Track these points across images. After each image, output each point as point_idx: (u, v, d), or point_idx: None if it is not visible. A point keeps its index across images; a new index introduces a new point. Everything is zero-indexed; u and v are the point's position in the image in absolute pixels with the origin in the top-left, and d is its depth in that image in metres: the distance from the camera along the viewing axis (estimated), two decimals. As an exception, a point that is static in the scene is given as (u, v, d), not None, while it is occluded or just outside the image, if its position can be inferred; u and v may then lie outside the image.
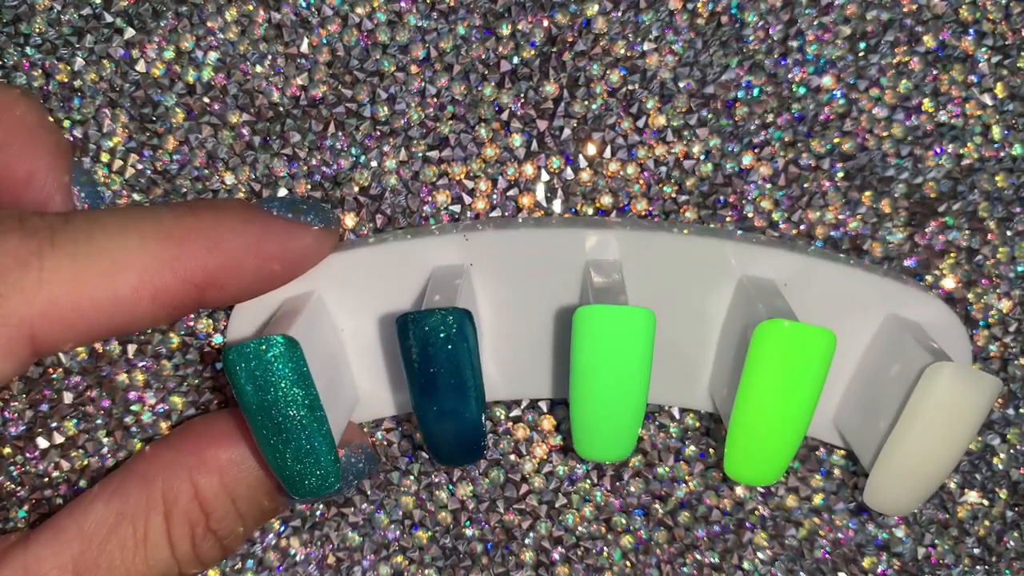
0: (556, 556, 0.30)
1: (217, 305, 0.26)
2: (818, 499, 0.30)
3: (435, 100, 0.29)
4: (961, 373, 0.23)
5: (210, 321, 0.29)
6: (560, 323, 0.28)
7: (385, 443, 0.30)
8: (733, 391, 0.24)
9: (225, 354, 0.23)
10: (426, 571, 0.30)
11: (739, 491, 0.30)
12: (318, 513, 0.30)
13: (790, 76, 0.29)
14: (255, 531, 0.28)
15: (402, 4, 0.28)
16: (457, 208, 0.29)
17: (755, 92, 0.29)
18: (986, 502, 0.30)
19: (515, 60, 0.29)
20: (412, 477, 0.30)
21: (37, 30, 0.28)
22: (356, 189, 0.29)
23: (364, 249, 0.27)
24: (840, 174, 0.29)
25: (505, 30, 0.28)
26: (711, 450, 0.30)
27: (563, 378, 0.28)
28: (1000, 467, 0.30)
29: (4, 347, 0.22)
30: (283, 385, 0.23)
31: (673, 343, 0.28)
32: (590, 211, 0.29)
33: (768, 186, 0.29)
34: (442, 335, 0.23)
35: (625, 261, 0.27)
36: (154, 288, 0.23)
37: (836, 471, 0.30)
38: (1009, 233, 0.29)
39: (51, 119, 0.27)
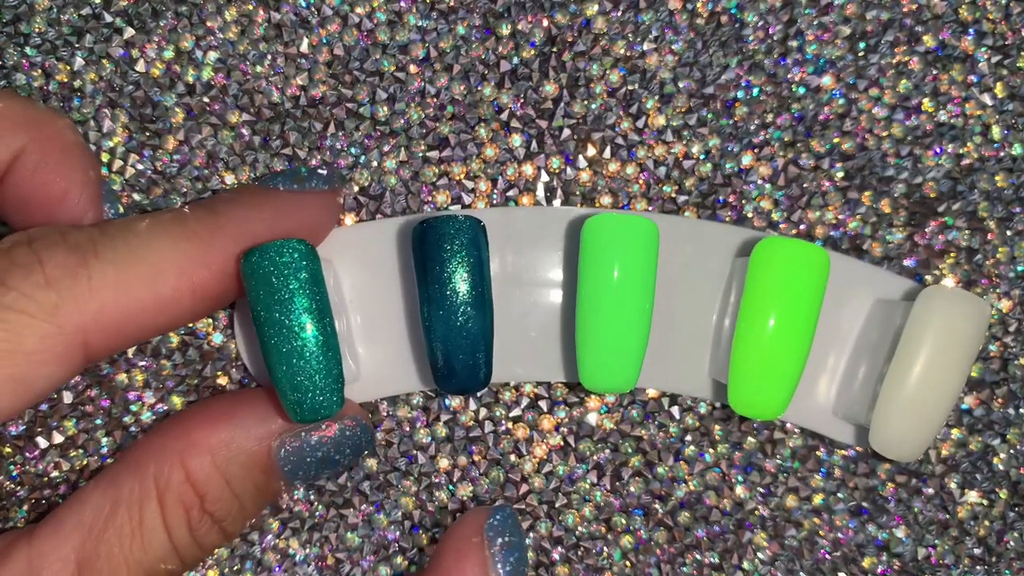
0: (556, 556, 0.30)
1: None
2: (818, 499, 0.30)
3: (435, 100, 0.29)
4: (957, 293, 0.24)
5: (209, 320, 0.29)
6: (565, 306, 0.28)
7: (384, 443, 0.30)
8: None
9: (245, 256, 0.24)
10: (426, 571, 0.30)
11: (739, 491, 0.30)
12: (318, 514, 0.30)
13: (790, 76, 0.29)
14: (256, 512, 0.27)
15: (402, 4, 0.28)
16: (457, 208, 0.29)
17: (755, 92, 0.29)
18: (986, 502, 0.30)
19: (515, 60, 0.29)
20: (412, 477, 0.30)
21: (37, 30, 0.28)
22: (356, 189, 0.29)
23: (377, 223, 0.28)
24: (840, 174, 0.29)
25: (505, 30, 0.28)
26: (711, 450, 0.30)
27: (567, 362, 0.28)
28: (1000, 467, 0.29)
29: (61, 354, 0.23)
30: (294, 286, 0.24)
31: (671, 329, 0.28)
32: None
33: (768, 186, 0.29)
34: (456, 241, 0.24)
35: None
36: (192, 284, 0.24)
37: (836, 471, 0.30)
38: (1009, 233, 0.29)
39: (84, 141, 0.27)
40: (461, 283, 0.24)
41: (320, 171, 0.27)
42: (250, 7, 0.28)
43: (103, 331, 0.23)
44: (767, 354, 0.24)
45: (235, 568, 0.29)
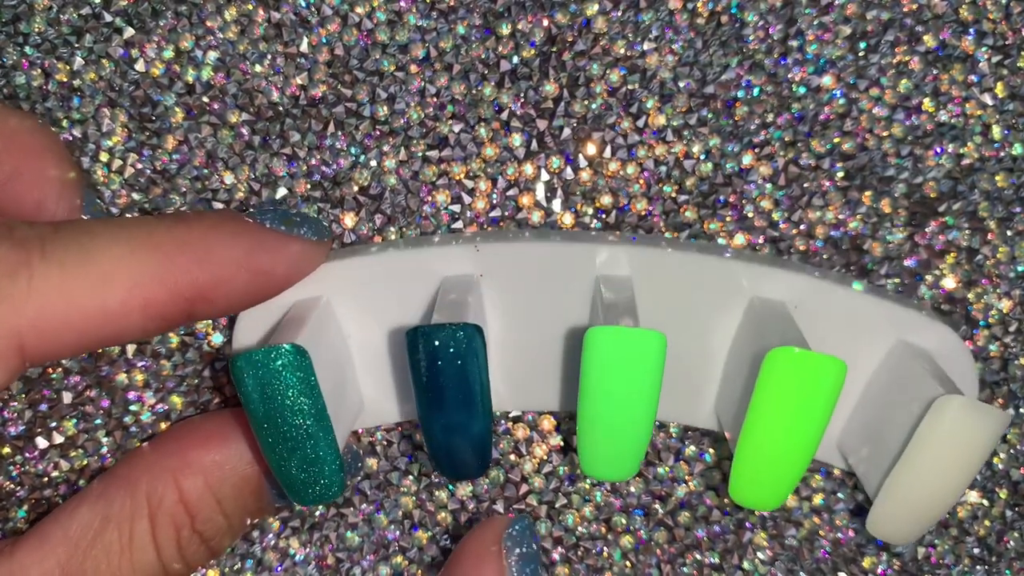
0: (556, 556, 0.30)
1: (206, 318, 0.25)
2: (818, 499, 0.30)
3: (435, 100, 0.29)
4: (970, 407, 0.23)
5: (209, 321, 0.29)
6: (569, 337, 0.28)
7: (385, 443, 0.30)
8: (741, 414, 0.24)
9: (233, 361, 0.23)
10: (426, 572, 0.30)
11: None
12: (317, 513, 0.30)
13: (790, 76, 0.29)
14: (243, 532, 0.27)
15: (402, 4, 0.28)
16: (457, 208, 0.29)
17: (755, 92, 0.29)
18: (986, 502, 0.30)
19: (515, 60, 0.29)
20: (412, 477, 0.30)
21: (36, 29, 0.28)
22: (356, 189, 0.29)
23: (373, 256, 0.27)
24: (840, 174, 0.29)
25: (505, 30, 0.28)
26: (711, 450, 0.30)
27: (571, 392, 0.28)
28: (1000, 467, 0.29)
29: None
30: (290, 394, 0.23)
31: (681, 361, 0.27)
32: (590, 211, 0.29)
33: (768, 186, 0.29)
34: (452, 350, 0.23)
35: (635, 277, 0.27)
36: (144, 300, 0.23)
37: (836, 471, 0.30)
38: (1009, 233, 0.29)
39: (64, 148, 0.27)
40: (458, 394, 0.23)
41: (312, 220, 0.26)
42: (250, 7, 0.28)
43: (41, 336, 0.22)
44: (772, 459, 0.24)
45: (235, 567, 0.29)
